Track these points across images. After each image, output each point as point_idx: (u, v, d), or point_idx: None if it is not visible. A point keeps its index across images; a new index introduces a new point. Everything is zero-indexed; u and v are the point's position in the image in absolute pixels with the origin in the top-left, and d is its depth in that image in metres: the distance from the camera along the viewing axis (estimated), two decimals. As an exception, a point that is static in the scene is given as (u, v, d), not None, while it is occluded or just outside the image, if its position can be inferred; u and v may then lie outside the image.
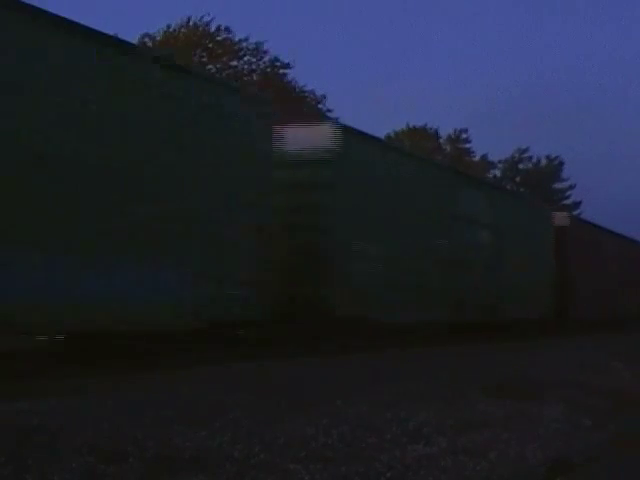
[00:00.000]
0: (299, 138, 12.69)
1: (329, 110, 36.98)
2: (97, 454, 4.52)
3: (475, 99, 74.62)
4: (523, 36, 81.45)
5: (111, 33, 9.93)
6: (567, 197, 54.86)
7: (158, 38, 34.72)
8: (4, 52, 8.36)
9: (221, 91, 11.60)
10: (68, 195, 8.92)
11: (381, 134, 39.01)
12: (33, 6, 8.66)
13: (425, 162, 18.56)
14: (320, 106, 37.14)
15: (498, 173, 53.92)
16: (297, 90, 36.89)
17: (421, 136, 48.01)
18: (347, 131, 13.69)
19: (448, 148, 51.09)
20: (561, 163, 55.09)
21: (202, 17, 35.37)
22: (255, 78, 35.50)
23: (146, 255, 9.68)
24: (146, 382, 7.66)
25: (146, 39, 34.39)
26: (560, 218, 22.79)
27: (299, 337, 12.49)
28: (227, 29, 35.63)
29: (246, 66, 36.40)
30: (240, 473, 4.47)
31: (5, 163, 8.28)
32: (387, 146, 19.90)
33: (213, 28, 35.55)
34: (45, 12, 8.73)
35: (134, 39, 30.12)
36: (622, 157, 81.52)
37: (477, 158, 52.04)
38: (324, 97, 37.73)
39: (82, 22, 9.29)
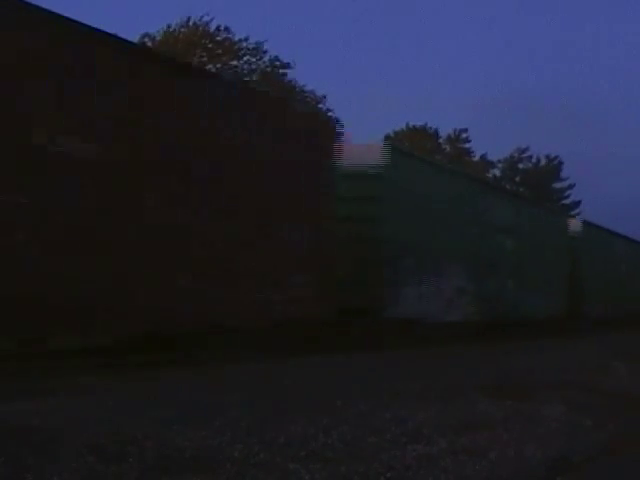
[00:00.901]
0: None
1: (329, 110, 37.00)
2: (97, 454, 4.52)
3: (475, 99, 74.88)
4: (523, 36, 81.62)
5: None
6: (566, 197, 54.96)
7: (158, 38, 34.76)
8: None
9: (543, 209, 25.15)
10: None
11: (381, 134, 39.00)
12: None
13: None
14: (320, 106, 37.17)
15: (498, 173, 53.97)
16: (297, 90, 36.91)
17: (421, 136, 48.09)
18: (588, 224, 26.03)
19: (448, 148, 51.15)
20: (561, 163, 55.17)
21: (202, 17, 35.45)
22: (255, 78, 35.53)
23: (534, 286, 21.11)
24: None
25: (146, 39, 34.44)
26: None
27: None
28: (227, 29, 35.71)
29: (246, 66, 36.45)
30: (240, 473, 4.47)
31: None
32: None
33: (213, 28, 35.61)
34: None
35: (134, 39, 30.13)
36: (622, 157, 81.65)
37: (477, 158, 52.11)
38: (324, 97, 37.80)
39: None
